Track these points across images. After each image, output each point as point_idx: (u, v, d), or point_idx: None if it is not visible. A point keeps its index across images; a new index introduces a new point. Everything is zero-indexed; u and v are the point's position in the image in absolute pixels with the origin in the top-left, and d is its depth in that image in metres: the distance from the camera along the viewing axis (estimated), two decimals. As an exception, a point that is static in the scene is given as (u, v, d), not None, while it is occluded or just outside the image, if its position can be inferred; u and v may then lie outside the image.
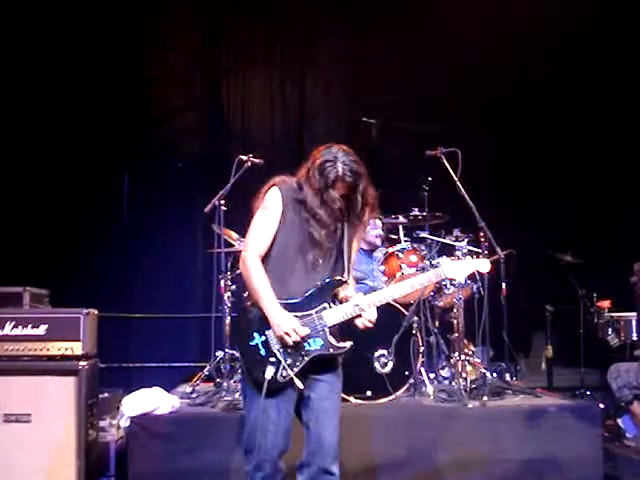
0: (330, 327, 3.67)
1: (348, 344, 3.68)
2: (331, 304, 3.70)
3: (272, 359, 3.59)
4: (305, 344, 3.61)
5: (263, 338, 3.63)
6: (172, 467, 5.04)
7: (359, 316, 3.72)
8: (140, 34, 8.38)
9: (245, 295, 3.81)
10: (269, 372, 3.55)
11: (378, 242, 6.84)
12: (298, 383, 3.57)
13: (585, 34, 8.36)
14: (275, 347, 3.60)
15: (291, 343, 3.57)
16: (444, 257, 3.72)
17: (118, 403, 5.53)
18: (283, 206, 3.72)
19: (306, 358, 3.61)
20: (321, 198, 3.66)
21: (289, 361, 3.59)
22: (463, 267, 3.93)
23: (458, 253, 6.19)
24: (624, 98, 8.50)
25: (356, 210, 3.74)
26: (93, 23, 8.07)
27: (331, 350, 3.65)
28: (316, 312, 3.67)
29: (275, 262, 3.73)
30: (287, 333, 3.57)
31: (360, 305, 3.69)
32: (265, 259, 3.73)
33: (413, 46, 8.50)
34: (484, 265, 3.99)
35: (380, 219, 6.83)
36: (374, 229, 6.82)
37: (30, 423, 5.01)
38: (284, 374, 3.57)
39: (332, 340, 3.66)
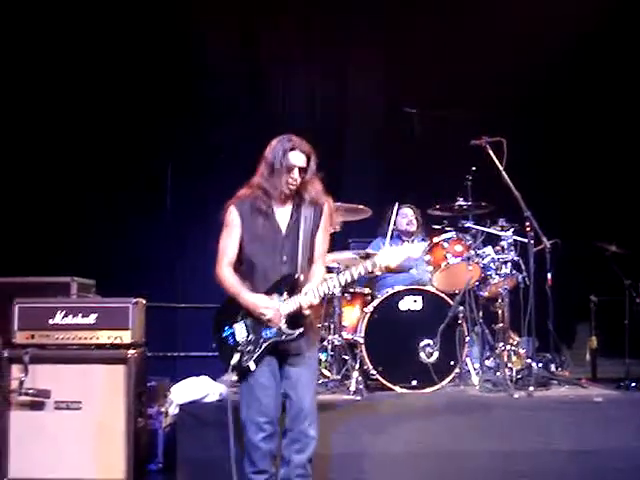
0: (284, 316, 4.10)
1: (297, 331, 4.09)
2: (286, 296, 4.12)
3: (238, 348, 4.13)
4: (262, 333, 4.11)
5: (231, 330, 4.17)
6: (220, 454, 5.04)
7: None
8: (184, 27, 8.49)
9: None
10: (235, 358, 4.09)
11: (411, 229, 6.88)
12: (252, 365, 4.09)
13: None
14: (239, 338, 4.15)
15: (268, 317, 4.06)
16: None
17: (165, 391, 5.59)
18: (241, 220, 4.22)
19: (264, 345, 4.11)
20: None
21: (249, 348, 4.11)
22: (396, 254, 4.16)
23: (503, 243, 6.20)
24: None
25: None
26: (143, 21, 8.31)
27: (283, 337, 4.10)
28: None
29: (246, 273, 4.23)
30: (262, 313, 4.07)
31: (304, 301, 4.09)
32: (238, 272, 4.24)
33: (455, 35, 8.45)
34: (416, 250, 4.21)
35: (410, 207, 6.88)
36: (403, 217, 6.87)
37: (80, 410, 5.11)
38: (245, 358, 4.09)
39: (284, 327, 4.10)
